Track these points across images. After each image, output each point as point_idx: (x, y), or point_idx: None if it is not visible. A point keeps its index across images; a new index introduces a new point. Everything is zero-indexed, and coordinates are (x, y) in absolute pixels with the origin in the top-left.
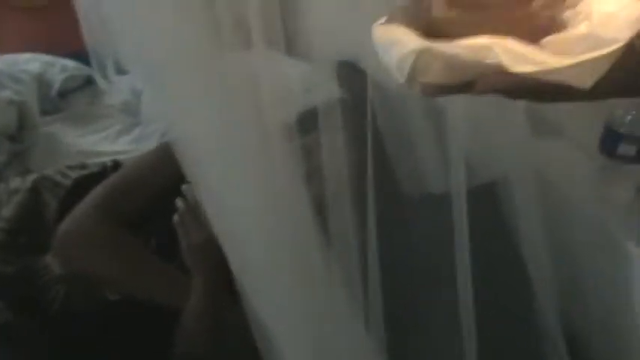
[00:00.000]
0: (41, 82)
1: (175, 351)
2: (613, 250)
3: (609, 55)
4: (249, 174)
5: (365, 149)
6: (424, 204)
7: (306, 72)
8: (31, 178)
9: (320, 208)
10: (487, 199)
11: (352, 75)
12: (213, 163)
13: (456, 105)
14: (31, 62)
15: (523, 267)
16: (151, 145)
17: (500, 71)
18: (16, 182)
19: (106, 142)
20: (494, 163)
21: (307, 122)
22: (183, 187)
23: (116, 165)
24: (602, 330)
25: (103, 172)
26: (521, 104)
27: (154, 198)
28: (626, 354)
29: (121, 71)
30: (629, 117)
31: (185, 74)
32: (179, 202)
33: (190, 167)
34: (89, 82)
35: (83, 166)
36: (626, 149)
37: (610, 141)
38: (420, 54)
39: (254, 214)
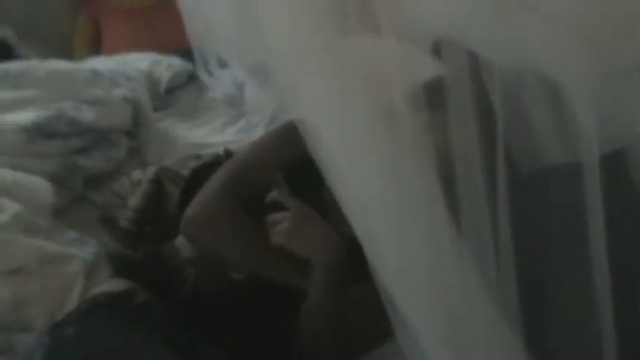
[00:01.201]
0: (150, 79)
1: (300, 329)
2: None
3: None
4: (376, 152)
5: (487, 126)
6: (546, 177)
7: (411, 51)
8: (151, 169)
9: (447, 184)
10: (616, 168)
11: (455, 52)
12: (340, 145)
13: (577, 78)
14: (139, 61)
15: None
16: (257, 133)
17: None
18: (137, 174)
19: (214, 134)
20: (618, 132)
21: (430, 97)
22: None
23: (228, 153)
24: None
25: (218, 161)
26: None
27: (270, 179)
28: None
29: (223, 66)
30: None
31: (310, 57)
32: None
33: (317, 149)
34: (193, 77)
35: (198, 157)
36: None
37: None
38: None
39: (383, 191)
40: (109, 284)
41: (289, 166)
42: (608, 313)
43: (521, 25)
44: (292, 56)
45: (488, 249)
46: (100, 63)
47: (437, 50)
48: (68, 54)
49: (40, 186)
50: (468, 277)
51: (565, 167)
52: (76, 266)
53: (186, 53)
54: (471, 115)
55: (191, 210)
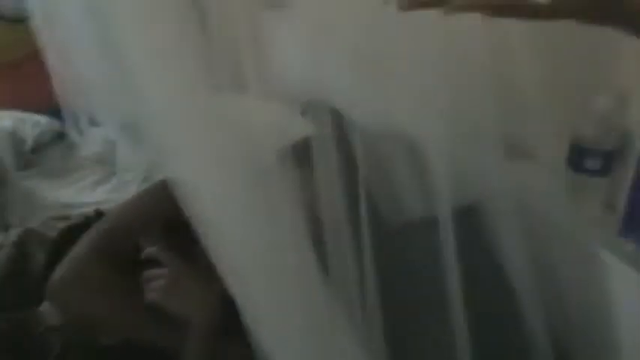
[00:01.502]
0: (14, 138)
1: None
2: (590, 261)
3: None
4: (248, 207)
5: (351, 181)
6: (407, 230)
7: (279, 111)
8: (15, 232)
9: (317, 238)
10: (468, 221)
11: (322, 112)
12: (213, 203)
13: (434, 139)
14: (2, 119)
15: (508, 283)
16: (130, 192)
17: None
18: None
19: (85, 193)
20: (471, 188)
21: (298, 155)
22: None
23: (99, 214)
24: (584, 340)
25: (87, 222)
26: (491, 133)
27: (146, 238)
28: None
29: (93, 124)
30: (592, 134)
31: (181, 116)
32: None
33: (188, 205)
34: (61, 136)
35: (66, 217)
36: (591, 163)
37: (576, 156)
38: None
39: (256, 247)
40: None
41: (165, 224)
42: (467, 353)
43: (384, 90)
44: (163, 115)
45: (357, 301)
46: None
47: (306, 111)
48: None
49: None
50: (340, 328)
51: (424, 221)
52: None
53: (54, 111)
54: (335, 171)
55: (58, 272)
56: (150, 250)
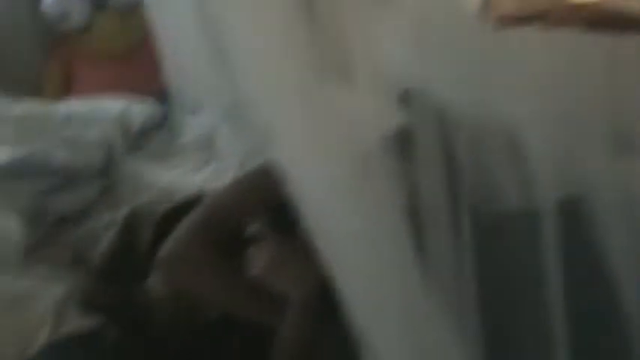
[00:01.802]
0: (122, 122)
1: None
2: None
3: None
4: (349, 196)
5: (451, 172)
6: (507, 221)
7: (381, 101)
8: (123, 211)
9: (415, 226)
10: (570, 213)
11: (422, 103)
12: (316, 189)
13: (539, 129)
14: (112, 104)
15: (611, 278)
16: (228, 177)
17: (571, 2)
18: (108, 216)
19: (186, 177)
20: (576, 180)
21: (398, 145)
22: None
23: (199, 197)
24: None
25: (189, 204)
26: (601, 124)
27: (246, 221)
28: None
29: (196, 109)
30: None
31: (289, 104)
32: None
33: (291, 188)
34: (166, 121)
35: (170, 199)
36: None
37: None
38: None
39: (356, 233)
40: (80, 323)
41: (265, 208)
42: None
43: (484, 80)
44: (271, 103)
45: (453, 289)
46: (73, 106)
47: (403, 100)
48: (39, 97)
49: (9, 224)
50: (436, 316)
51: (525, 212)
52: (45, 305)
53: (160, 96)
54: (435, 161)
55: (165, 249)
56: (254, 228)
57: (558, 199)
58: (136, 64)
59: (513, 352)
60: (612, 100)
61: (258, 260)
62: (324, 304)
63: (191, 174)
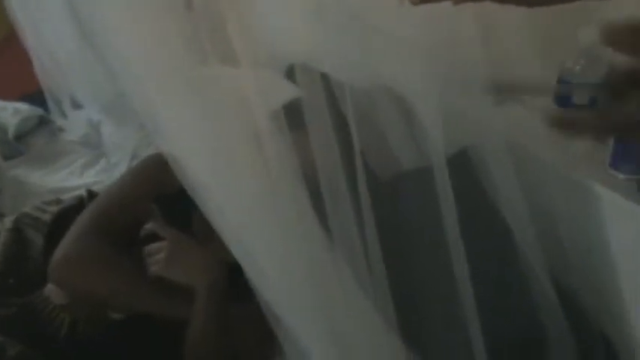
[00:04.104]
0: None
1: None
2: (582, 195)
3: None
4: (244, 173)
5: (344, 139)
6: (401, 181)
7: (267, 76)
8: (10, 218)
9: (314, 195)
10: (460, 166)
11: (309, 75)
12: (210, 171)
13: (422, 90)
14: None
15: (505, 223)
16: (118, 172)
17: None
18: None
19: (74, 177)
20: (461, 134)
21: (289, 117)
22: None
23: (91, 194)
24: (582, 276)
25: (80, 203)
26: (478, 78)
27: (142, 211)
28: (607, 295)
29: (76, 106)
30: (578, 67)
31: (170, 87)
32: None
33: (184, 175)
34: (44, 121)
35: (59, 201)
36: (579, 98)
37: (564, 92)
38: None
39: (256, 210)
40: None
41: (159, 197)
42: (471, 302)
43: (371, 47)
44: (153, 91)
45: (359, 252)
46: None
47: (290, 74)
48: None
49: None
50: (345, 282)
51: (418, 171)
52: None
53: (33, 97)
54: (328, 130)
55: (59, 253)
56: (147, 226)
57: (448, 154)
58: (5, 62)
59: (422, 303)
60: (489, 62)
61: (156, 256)
62: (231, 285)
63: (80, 173)
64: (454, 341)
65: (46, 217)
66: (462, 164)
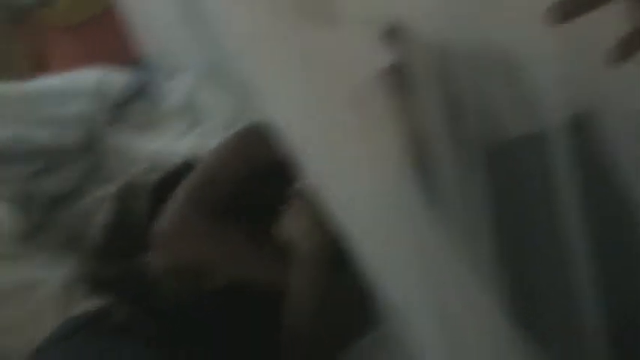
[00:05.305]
0: (99, 94)
1: (285, 327)
2: None
3: None
4: (346, 137)
5: (449, 104)
6: (512, 148)
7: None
8: (114, 185)
9: (419, 164)
10: (577, 132)
11: (409, 38)
12: (311, 139)
13: (533, 51)
14: (87, 77)
15: (625, 194)
16: (215, 139)
17: None
18: (100, 192)
19: (172, 145)
20: (577, 97)
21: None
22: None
23: (189, 162)
24: None
25: (180, 171)
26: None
27: (239, 182)
28: None
29: (174, 74)
30: None
31: (270, 51)
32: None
33: (287, 147)
34: (144, 89)
35: (159, 169)
36: None
37: None
38: None
39: (359, 179)
40: (87, 303)
41: (259, 168)
42: (586, 278)
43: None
44: (251, 53)
45: (466, 224)
46: (47, 82)
47: (390, 36)
48: (8, 78)
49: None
50: (451, 256)
51: (530, 137)
52: (47, 290)
53: (134, 64)
54: (433, 96)
55: (162, 223)
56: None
57: (564, 119)
58: (105, 32)
59: (532, 275)
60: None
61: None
62: (335, 254)
63: (178, 139)
64: (569, 325)
65: (147, 184)
66: (578, 130)
